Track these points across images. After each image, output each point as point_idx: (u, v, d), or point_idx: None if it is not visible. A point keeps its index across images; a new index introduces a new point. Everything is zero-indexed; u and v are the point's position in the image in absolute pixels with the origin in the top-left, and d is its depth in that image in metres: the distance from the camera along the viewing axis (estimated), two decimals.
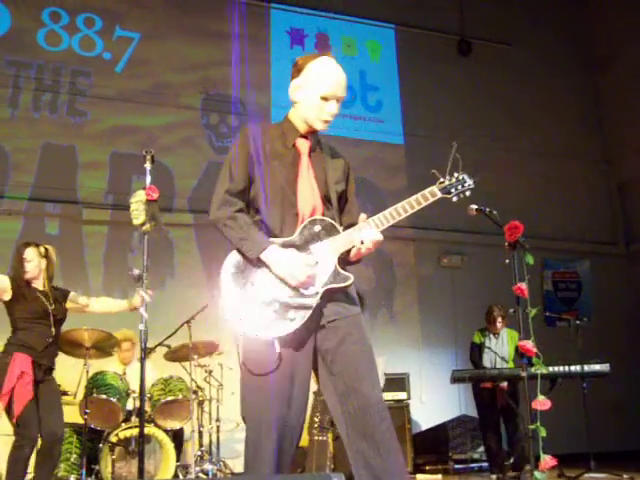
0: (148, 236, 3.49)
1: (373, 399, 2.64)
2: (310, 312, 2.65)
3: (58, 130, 8.39)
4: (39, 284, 4.95)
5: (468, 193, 2.87)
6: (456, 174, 2.86)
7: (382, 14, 10.41)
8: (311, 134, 2.90)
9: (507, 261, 4.62)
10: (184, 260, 8.40)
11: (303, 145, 2.88)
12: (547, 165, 10.58)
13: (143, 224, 3.42)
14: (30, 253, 4.91)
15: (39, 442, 4.73)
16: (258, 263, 2.68)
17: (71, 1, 8.77)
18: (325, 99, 2.78)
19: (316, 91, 2.77)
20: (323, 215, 2.79)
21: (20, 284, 4.85)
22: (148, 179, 3.52)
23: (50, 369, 4.92)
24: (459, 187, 2.86)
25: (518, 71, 10.80)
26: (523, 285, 4.50)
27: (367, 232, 2.72)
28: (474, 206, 4.80)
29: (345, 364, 2.66)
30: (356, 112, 10.03)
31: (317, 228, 2.75)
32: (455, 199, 2.88)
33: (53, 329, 4.85)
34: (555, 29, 11.15)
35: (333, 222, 2.78)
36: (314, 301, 2.67)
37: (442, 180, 2.84)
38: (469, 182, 2.87)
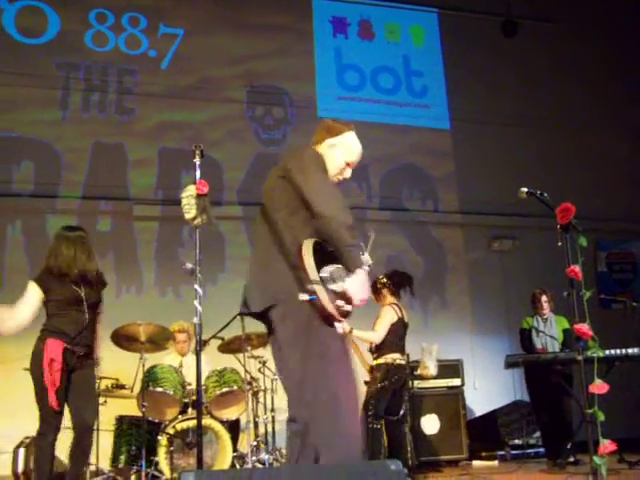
0: (199, 229, 3.53)
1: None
2: None
3: (107, 129, 8.54)
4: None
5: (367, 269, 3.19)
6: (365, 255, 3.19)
7: None
8: None
9: (559, 244, 4.54)
10: (235, 252, 8.47)
11: None
12: (599, 144, 10.38)
13: (194, 218, 3.46)
14: None
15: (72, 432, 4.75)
16: (333, 261, 2.89)
17: (116, 1, 8.91)
18: (348, 165, 3.27)
19: (346, 156, 3.26)
20: None
21: (49, 276, 4.77)
22: (198, 173, 3.56)
23: (86, 355, 4.82)
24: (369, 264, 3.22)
25: (566, 50, 10.56)
26: (577, 267, 4.41)
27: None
28: (525, 189, 4.71)
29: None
30: (401, 98, 9.97)
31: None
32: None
33: (87, 315, 4.76)
34: (605, 4, 10.87)
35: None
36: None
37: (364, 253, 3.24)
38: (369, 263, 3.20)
